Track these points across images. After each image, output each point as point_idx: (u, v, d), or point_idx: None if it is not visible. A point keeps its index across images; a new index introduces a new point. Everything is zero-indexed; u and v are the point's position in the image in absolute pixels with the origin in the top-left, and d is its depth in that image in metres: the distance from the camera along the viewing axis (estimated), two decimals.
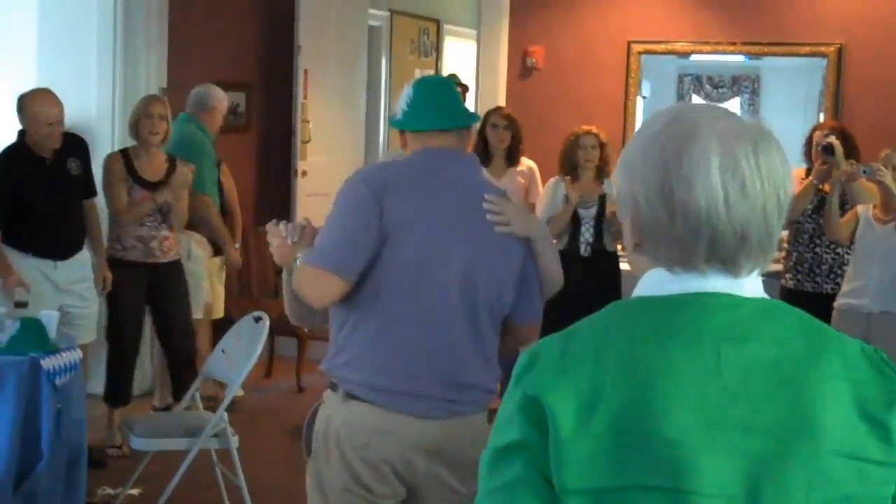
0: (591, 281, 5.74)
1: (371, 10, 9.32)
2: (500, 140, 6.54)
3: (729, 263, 1.41)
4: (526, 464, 1.36)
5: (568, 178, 6.24)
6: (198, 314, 6.28)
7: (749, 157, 1.40)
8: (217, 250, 6.61)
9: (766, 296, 1.45)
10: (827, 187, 5.68)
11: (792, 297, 5.65)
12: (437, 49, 11.20)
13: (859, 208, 5.46)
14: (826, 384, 1.37)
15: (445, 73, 10.46)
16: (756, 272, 1.44)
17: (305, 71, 8.02)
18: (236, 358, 4.95)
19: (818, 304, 5.19)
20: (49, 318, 4.52)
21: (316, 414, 3.01)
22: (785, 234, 6.18)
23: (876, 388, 1.39)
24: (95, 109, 6.63)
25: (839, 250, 5.76)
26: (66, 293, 5.54)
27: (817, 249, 5.83)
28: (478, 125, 5.79)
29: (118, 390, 5.87)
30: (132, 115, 5.84)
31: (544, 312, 3.14)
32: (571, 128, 6.46)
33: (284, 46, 8.01)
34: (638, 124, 7.80)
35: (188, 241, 6.29)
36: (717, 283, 1.41)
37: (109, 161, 5.80)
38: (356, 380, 2.90)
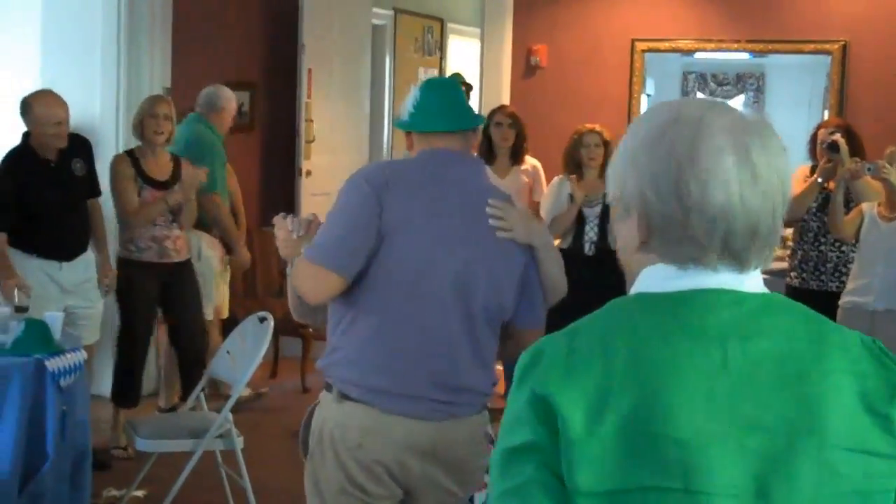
0: (595, 279, 5.68)
1: (375, 9, 9.32)
2: (504, 139, 6.54)
3: (740, 258, 1.41)
4: (538, 465, 1.35)
5: (574, 176, 6.23)
6: (208, 314, 6.29)
7: (758, 149, 1.41)
8: (227, 250, 6.63)
9: (766, 290, 1.45)
10: (832, 185, 5.66)
11: (797, 295, 5.63)
12: (441, 48, 11.18)
13: (864, 206, 5.45)
14: (830, 378, 1.37)
15: (449, 71, 10.46)
16: (759, 268, 1.44)
17: (309, 70, 8.02)
18: (241, 358, 4.95)
19: (823, 303, 5.17)
20: (53, 319, 4.52)
21: (312, 414, 3.01)
22: (790, 232, 6.17)
23: (878, 381, 1.39)
24: (99, 109, 6.64)
25: (844, 248, 5.74)
26: (71, 294, 5.55)
27: (822, 247, 5.82)
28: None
29: (128, 391, 5.88)
30: (136, 116, 5.84)
31: (548, 312, 3.13)
32: (575, 126, 6.45)
33: (288, 46, 8.00)
34: None
35: (198, 240, 6.30)
36: (722, 278, 1.41)
37: (117, 162, 5.80)
38: (350, 379, 2.90)
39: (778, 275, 6.11)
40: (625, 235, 1.48)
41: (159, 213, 5.72)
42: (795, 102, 9.13)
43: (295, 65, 7.98)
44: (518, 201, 5.44)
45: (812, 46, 7.78)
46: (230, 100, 6.70)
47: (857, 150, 5.72)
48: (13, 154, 5.48)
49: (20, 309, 4.56)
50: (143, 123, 5.75)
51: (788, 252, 6.16)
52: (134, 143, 6.00)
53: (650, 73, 8.32)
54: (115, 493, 5.14)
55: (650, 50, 8.08)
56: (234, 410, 4.88)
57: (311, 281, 2.89)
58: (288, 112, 8.09)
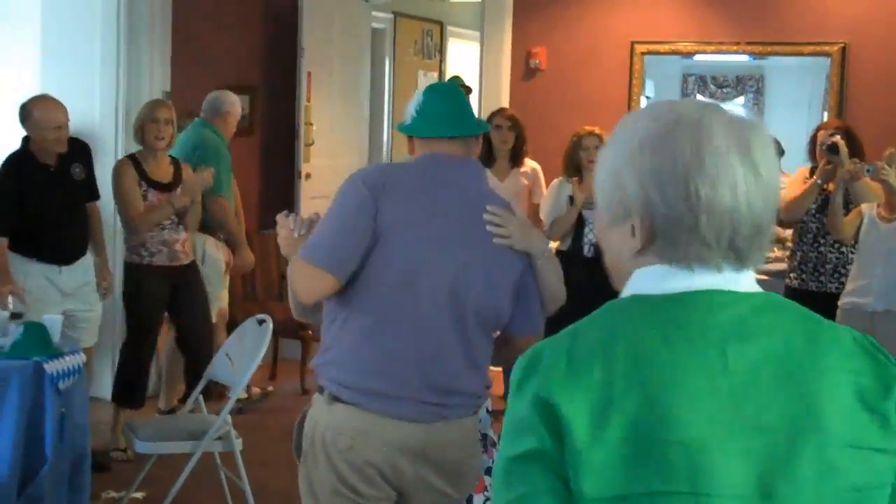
0: (594, 281, 5.68)
1: (374, 13, 9.33)
2: (503, 141, 6.54)
3: (742, 257, 1.42)
4: (544, 472, 1.34)
5: (575, 178, 6.23)
6: (213, 317, 6.30)
7: (757, 147, 1.41)
8: (231, 252, 6.65)
9: (760, 289, 1.45)
10: (831, 186, 5.66)
11: (796, 296, 5.60)
12: (441, 51, 11.19)
13: (863, 207, 5.45)
14: (827, 376, 1.38)
15: (449, 74, 10.46)
16: (757, 265, 1.45)
17: (309, 74, 8.02)
18: (240, 361, 4.95)
19: (822, 304, 5.18)
20: (52, 322, 4.52)
21: (305, 417, 3.01)
22: (789, 233, 6.17)
23: (872, 377, 1.40)
24: (99, 113, 6.63)
25: (843, 249, 5.74)
26: (71, 297, 5.55)
27: (821, 248, 5.82)
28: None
29: (135, 392, 5.89)
30: (137, 120, 5.84)
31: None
32: (575, 129, 6.45)
33: (288, 49, 8.01)
34: None
35: (202, 243, 6.32)
36: (720, 278, 1.41)
37: (121, 167, 5.80)
38: (341, 380, 2.90)
39: (777, 276, 6.11)
40: (619, 241, 1.47)
41: (166, 216, 5.73)
42: (795, 104, 9.14)
43: (294, 68, 7.98)
44: (517, 204, 5.47)
45: (811, 48, 7.78)
46: (235, 104, 6.72)
47: (856, 151, 5.73)
48: (13, 159, 5.48)
49: (15, 315, 4.55)
50: (144, 128, 5.76)
51: (788, 253, 6.16)
52: (133, 146, 6.00)
53: (650, 76, 8.32)
54: (114, 494, 5.14)
55: (650, 52, 8.07)
56: (240, 412, 4.88)
57: (305, 280, 2.89)
58: (287, 115, 8.10)
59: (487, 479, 3.48)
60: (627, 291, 1.46)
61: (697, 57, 8.67)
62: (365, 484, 2.90)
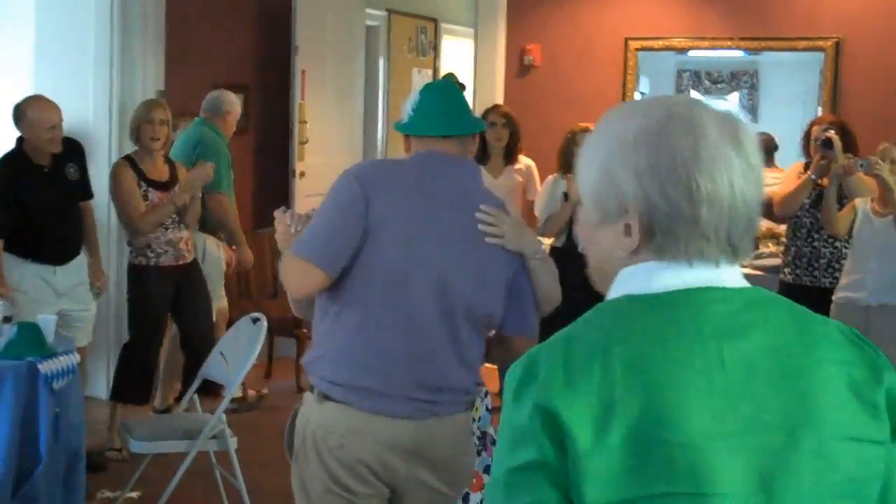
0: (587, 278, 5.71)
1: (368, 10, 9.31)
2: (497, 138, 6.54)
3: (736, 250, 1.42)
4: (547, 483, 1.32)
5: (569, 175, 6.23)
6: (213, 316, 6.30)
7: (745, 140, 1.42)
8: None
9: (747, 283, 1.45)
10: (825, 181, 5.67)
11: (791, 291, 5.64)
12: (435, 48, 11.17)
13: (857, 202, 5.45)
14: (820, 369, 1.38)
15: (443, 72, 10.45)
16: (745, 258, 1.45)
17: (303, 72, 8.01)
18: (234, 359, 4.95)
19: (816, 298, 5.18)
20: (46, 322, 4.51)
21: (296, 415, 3.01)
22: (784, 228, 6.18)
23: (862, 368, 1.41)
24: (92, 113, 6.63)
25: (837, 244, 5.75)
26: (65, 297, 5.55)
27: (815, 243, 5.82)
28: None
29: (143, 390, 5.91)
30: (133, 121, 5.83)
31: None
32: (569, 125, 6.46)
33: (281, 48, 8.00)
34: None
35: (203, 241, 6.32)
36: (712, 273, 1.41)
37: (119, 168, 5.78)
38: (331, 378, 2.90)
39: (771, 271, 6.11)
40: (610, 240, 1.45)
41: (168, 215, 5.73)
42: (789, 99, 9.15)
43: (288, 66, 7.97)
44: (512, 202, 5.46)
45: (805, 44, 7.78)
46: (234, 103, 6.75)
47: (850, 146, 5.73)
48: (7, 159, 5.47)
49: (6, 319, 4.54)
50: (140, 129, 5.75)
51: (782, 248, 6.17)
52: (126, 145, 5.99)
53: (644, 72, 8.32)
54: (109, 494, 5.13)
55: (644, 48, 8.08)
56: (234, 412, 4.88)
57: (296, 275, 2.90)
58: (281, 113, 8.09)
59: (486, 478, 3.47)
60: (616, 292, 1.44)
61: (692, 53, 8.68)
62: (357, 482, 2.90)
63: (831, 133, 5.69)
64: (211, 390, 5.50)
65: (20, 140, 5.46)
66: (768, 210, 5.88)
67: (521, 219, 3.18)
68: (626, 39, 8.02)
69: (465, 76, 8.31)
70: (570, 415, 1.31)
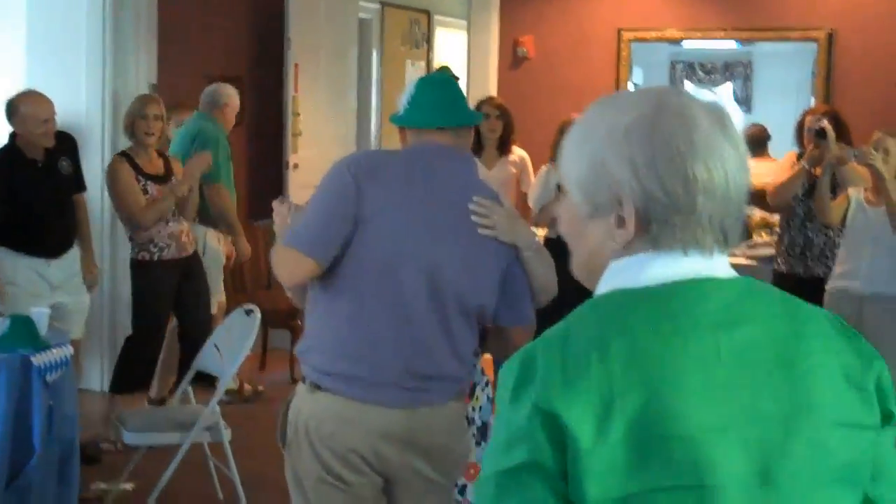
0: None
1: (361, 3, 9.31)
2: (491, 130, 6.53)
3: (728, 238, 1.42)
4: (542, 485, 1.31)
5: None
6: (213, 308, 6.30)
7: (731, 127, 1.42)
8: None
9: (736, 273, 1.44)
10: (818, 171, 5.67)
11: (784, 280, 5.65)
12: (429, 40, 11.17)
13: (851, 191, 5.46)
14: (813, 358, 1.38)
15: (437, 64, 10.45)
16: (733, 247, 1.45)
17: (296, 65, 8.01)
18: (228, 351, 4.95)
19: (810, 288, 5.19)
20: (39, 315, 4.50)
21: (289, 406, 3.01)
22: (777, 218, 6.18)
23: (851, 355, 1.41)
24: (85, 106, 6.62)
25: (830, 233, 5.75)
26: (59, 290, 5.56)
27: (808, 233, 5.82)
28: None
29: (145, 379, 5.94)
30: (127, 116, 5.82)
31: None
32: (562, 117, 6.44)
33: (274, 40, 7.99)
34: None
35: (203, 235, 6.33)
36: (705, 263, 1.40)
37: (116, 164, 5.77)
38: (322, 367, 2.90)
39: (765, 261, 6.12)
40: (601, 233, 1.44)
41: (169, 207, 5.72)
42: (783, 90, 9.16)
43: (281, 59, 7.97)
44: (505, 193, 5.46)
45: (798, 34, 7.79)
46: (232, 96, 6.76)
47: (843, 136, 5.74)
48: (0, 154, 5.47)
49: None
50: (135, 125, 5.74)
51: (775, 238, 6.17)
52: (119, 138, 5.98)
53: (637, 63, 8.32)
54: (103, 486, 5.12)
55: (637, 39, 8.08)
56: (229, 404, 4.88)
57: (285, 263, 2.90)
58: (275, 106, 8.09)
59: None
60: (607, 285, 1.43)
61: (685, 44, 8.69)
62: (349, 471, 2.90)
63: (825, 123, 5.69)
64: (208, 382, 5.51)
65: (13, 135, 5.46)
66: (761, 200, 5.89)
67: (515, 210, 3.17)
68: (620, 30, 8.02)
69: (459, 68, 8.31)
70: (571, 415, 1.30)
